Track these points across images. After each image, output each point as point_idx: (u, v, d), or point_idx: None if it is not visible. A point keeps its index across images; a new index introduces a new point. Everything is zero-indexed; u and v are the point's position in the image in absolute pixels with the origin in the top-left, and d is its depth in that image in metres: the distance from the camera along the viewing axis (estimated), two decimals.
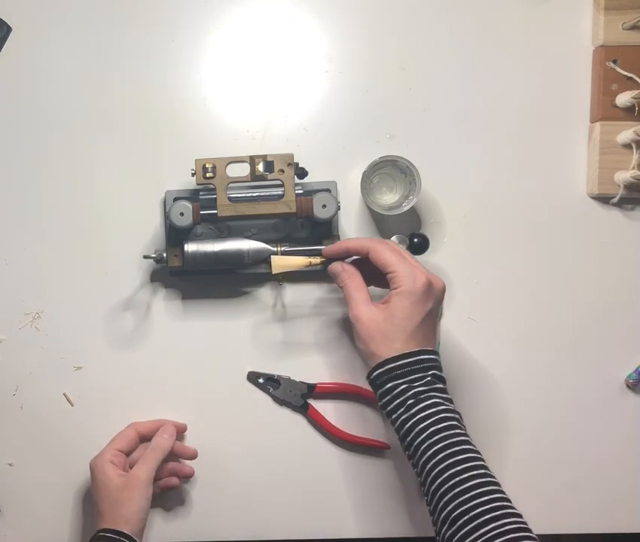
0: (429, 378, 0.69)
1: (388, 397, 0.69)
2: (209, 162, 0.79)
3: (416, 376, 0.69)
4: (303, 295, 0.87)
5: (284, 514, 0.86)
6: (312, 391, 0.86)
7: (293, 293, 0.87)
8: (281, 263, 0.78)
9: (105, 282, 0.87)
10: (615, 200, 0.85)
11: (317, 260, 0.78)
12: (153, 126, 0.87)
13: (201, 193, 0.84)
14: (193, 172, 0.79)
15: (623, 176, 0.83)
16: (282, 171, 0.80)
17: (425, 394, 0.68)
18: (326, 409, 0.86)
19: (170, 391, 0.87)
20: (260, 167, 0.79)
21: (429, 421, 0.67)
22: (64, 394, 0.87)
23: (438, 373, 0.70)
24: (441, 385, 0.70)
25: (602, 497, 0.86)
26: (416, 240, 0.81)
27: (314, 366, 0.86)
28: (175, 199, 0.82)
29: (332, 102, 0.87)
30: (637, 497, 0.86)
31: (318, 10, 0.87)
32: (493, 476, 0.66)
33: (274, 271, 0.78)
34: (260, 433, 0.86)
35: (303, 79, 0.87)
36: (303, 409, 0.86)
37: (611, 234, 0.87)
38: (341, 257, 0.77)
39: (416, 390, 0.68)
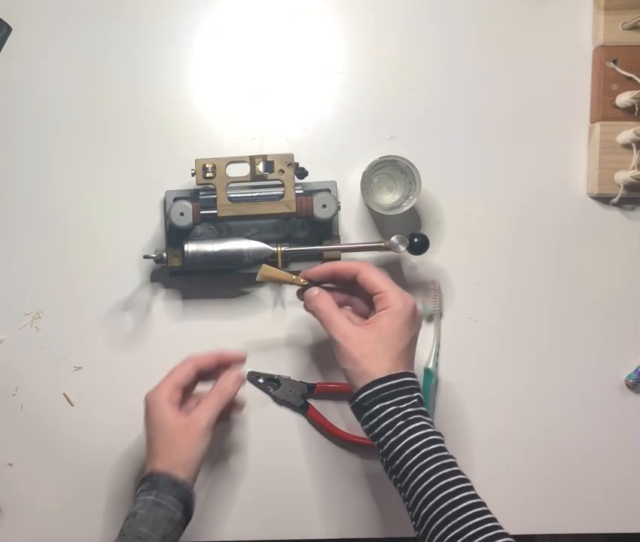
0: (415, 400, 0.68)
1: (375, 420, 0.68)
2: (209, 162, 0.79)
3: (403, 397, 0.68)
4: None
5: (284, 514, 0.86)
6: (312, 391, 0.86)
7: (293, 293, 0.87)
8: (268, 273, 0.76)
9: (105, 282, 0.87)
10: (615, 200, 0.85)
11: (300, 280, 0.76)
12: (153, 126, 0.87)
13: (201, 193, 0.84)
14: (193, 172, 0.79)
15: (623, 176, 0.83)
16: (282, 171, 0.80)
17: (414, 416, 0.67)
18: (326, 409, 0.86)
19: None
20: (260, 167, 0.79)
21: (419, 443, 0.66)
22: (64, 394, 0.87)
23: (421, 395, 0.69)
24: (424, 408, 0.69)
25: (602, 497, 0.86)
26: (416, 240, 0.81)
27: (314, 366, 0.86)
28: (175, 199, 0.82)
29: (332, 102, 0.87)
30: (637, 497, 0.86)
31: (318, 10, 0.87)
32: (481, 498, 0.65)
33: (258, 278, 0.76)
34: (260, 433, 0.86)
35: (304, 79, 0.87)
36: (303, 409, 0.86)
37: (611, 234, 0.87)
38: (324, 280, 0.76)
39: (404, 412, 0.67)
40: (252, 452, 0.86)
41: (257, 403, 0.86)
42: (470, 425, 0.86)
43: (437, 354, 0.86)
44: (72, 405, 0.87)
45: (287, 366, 0.87)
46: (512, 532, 0.86)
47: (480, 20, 0.87)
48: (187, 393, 0.77)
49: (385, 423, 0.67)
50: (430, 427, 0.67)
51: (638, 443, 0.86)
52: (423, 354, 0.86)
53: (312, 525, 0.86)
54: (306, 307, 0.76)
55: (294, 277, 0.76)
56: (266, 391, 0.86)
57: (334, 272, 0.75)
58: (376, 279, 0.72)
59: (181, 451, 0.72)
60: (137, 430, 0.86)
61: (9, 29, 0.86)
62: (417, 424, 0.67)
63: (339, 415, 0.85)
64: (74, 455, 0.86)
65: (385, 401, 0.67)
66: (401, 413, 0.67)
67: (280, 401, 0.86)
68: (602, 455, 0.86)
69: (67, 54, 0.87)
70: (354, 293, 0.76)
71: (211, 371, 0.78)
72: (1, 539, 0.86)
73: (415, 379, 0.70)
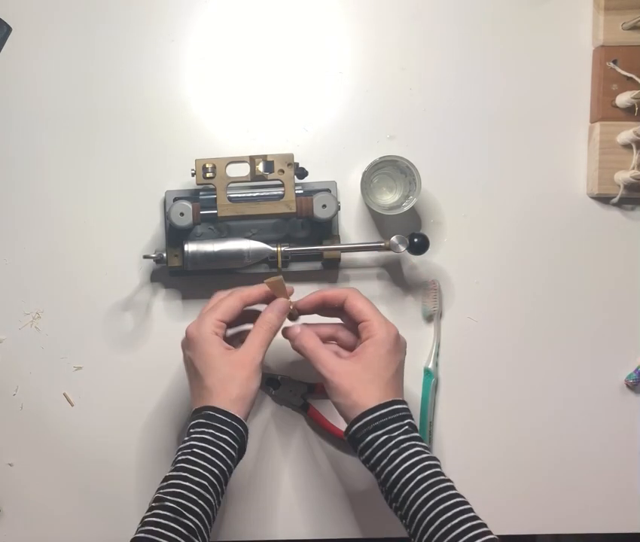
0: (406, 426, 0.69)
1: (370, 451, 0.68)
2: (209, 162, 0.79)
3: (395, 425, 0.68)
4: (303, 295, 0.87)
5: (285, 514, 0.86)
6: (312, 391, 0.86)
7: (293, 293, 0.87)
8: (277, 286, 0.75)
9: (105, 282, 0.87)
10: (615, 200, 0.85)
11: (293, 309, 0.76)
12: (153, 126, 0.87)
13: (201, 193, 0.84)
14: (193, 172, 0.80)
15: (623, 176, 0.83)
16: (282, 171, 0.80)
17: (407, 443, 0.67)
18: (326, 409, 0.86)
19: (170, 392, 0.86)
20: (260, 167, 0.79)
21: (415, 470, 0.66)
22: (64, 394, 0.87)
23: (412, 421, 0.70)
24: (417, 434, 0.69)
25: (602, 497, 0.86)
26: (416, 240, 0.81)
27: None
28: (175, 199, 0.82)
29: (332, 102, 0.87)
30: (637, 497, 0.86)
31: (318, 10, 0.87)
32: (479, 517, 0.65)
33: (267, 281, 0.74)
34: (260, 433, 0.86)
35: (304, 79, 0.87)
36: (303, 409, 0.86)
37: (611, 234, 0.87)
38: (315, 309, 0.76)
39: (397, 440, 0.67)
40: (252, 451, 0.86)
41: (257, 403, 0.86)
42: (470, 425, 0.86)
43: (437, 354, 0.86)
44: (72, 405, 0.87)
45: (287, 366, 0.87)
46: (512, 532, 0.87)
47: (479, 20, 0.87)
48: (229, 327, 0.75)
49: (380, 453, 0.68)
50: (424, 453, 0.67)
51: (638, 442, 0.86)
52: (423, 354, 0.86)
53: (312, 525, 0.86)
54: (292, 345, 0.75)
55: (291, 307, 0.76)
56: (267, 391, 0.86)
57: (324, 299, 0.75)
58: (362, 307, 0.73)
59: (238, 387, 0.70)
60: (137, 430, 0.86)
61: (9, 29, 0.86)
62: (411, 451, 0.67)
63: (339, 415, 0.85)
64: (74, 455, 0.86)
65: (377, 431, 0.68)
66: (394, 441, 0.67)
67: (280, 401, 0.86)
68: (602, 454, 0.86)
69: (67, 54, 0.87)
70: (343, 320, 0.77)
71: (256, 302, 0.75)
72: (1, 539, 0.86)
73: (405, 406, 0.70)
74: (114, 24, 0.87)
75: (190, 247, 0.81)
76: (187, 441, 0.69)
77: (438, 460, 0.68)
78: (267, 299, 0.75)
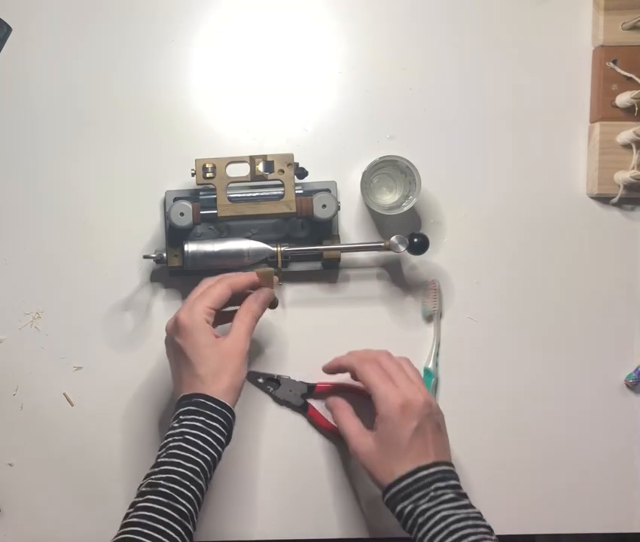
0: (432, 493, 0.70)
1: (401, 521, 0.71)
2: (209, 162, 0.79)
3: (419, 494, 0.70)
4: (303, 295, 0.87)
5: (285, 514, 0.86)
6: (312, 391, 0.86)
7: (293, 293, 0.87)
8: (266, 277, 0.77)
9: (105, 282, 0.87)
10: (615, 200, 0.85)
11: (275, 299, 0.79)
12: (153, 126, 0.87)
13: (201, 193, 0.84)
14: (193, 172, 0.80)
15: (623, 176, 0.83)
16: (282, 171, 0.80)
17: (431, 510, 0.69)
18: (326, 409, 0.86)
19: (170, 391, 0.86)
20: (260, 167, 0.79)
21: (441, 536, 0.67)
22: (64, 394, 0.87)
23: (441, 484, 0.70)
24: (450, 495, 0.70)
25: (602, 497, 0.86)
26: (415, 240, 0.81)
27: (314, 366, 0.86)
28: (175, 199, 0.82)
29: (332, 102, 0.87)
30: (637, 497, 0.86)
31: (318, 10, 0.88)
32: None
33: (258, 271, 0.78)
34: (260, 433, 0.86)
35: (303, 79, 0.87)
36: (303, 409, 0.86)
37: (611, 234, 0.87)
38: (338, 372, 0.82)
39: (422, 508, 0.69)
40: (252, 451, 0.86)
41: (257, 403, 0.87)
42: (470, 425, 0.86)
43: (437, 354, 0.86)
44: (72, 405, 0.87)
45: (287, 366, 0.87)
46: (512, 532, 0.87)
47: (480, 21, 0.87)
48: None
49: (409, 523, 0.71)
50: (452, 516, 0.68)
51: (638, 443, 0.86)
52: (423, 354, 0.86)
53: (312, 525, 0.86)
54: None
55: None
56: (266, 391, 0.86)
57: (340, 366, 0.81)
58: (367, 380, 0.76)
59: (229, 377, 0.72)
60: (137, 430, 0.86)
61: (9, 29, 0.86)
62: (436, 518, 0.68)
63: None
64: (74, 455, 0.86)
65: (403, 502, 0.71)
66: (419, 510, 0.69)
67: (280, 401, 0.86)
68: (602, 455, 0.86)
69: (66, 55, 0.87)
70: None
71: (245, 294, 0.77)
72: (1, 539, 0.86)
73: (430, 471, 0.71)
74: (114, 24, 0.87)
75: (190, 247, 0.81)
76: (178, 428, 0.70)
77: (474, 515, 0.69)
78: (254, 287, 0.77)
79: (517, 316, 0.87)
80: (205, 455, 0.70)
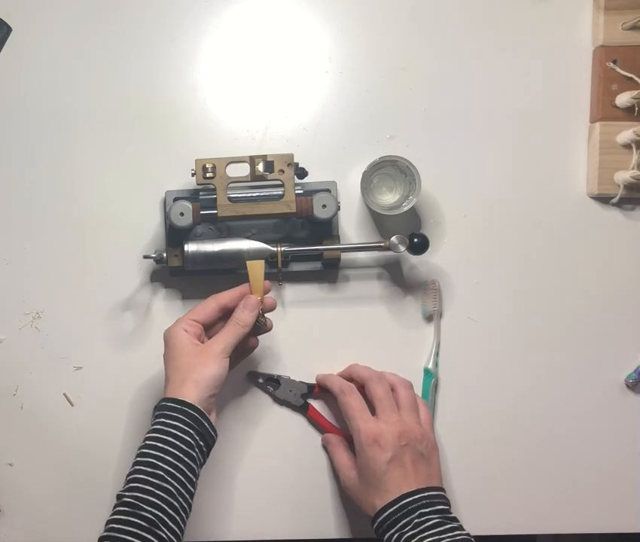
0: (416, 519, 0.70)
1: None
2: (209, 162, 0.79)
3: (404, 522, 0.70)
4: (303, 295, 0.87)
5: (285, 514, 0.86)
6: (312, 391, 0.86)
7: (293, 293, 0.87)
8: (256, 271, 0.77)
9: (105, 282, 0.87)
10: (615, 200, 0.85)
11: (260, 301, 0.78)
12: (153, 126, 0.87)
13: (201, 193, 0.84)
14: (193, 172, 0.80)
15: (623, 176, 0.83)
16: (282, 171, 0.80)
17: (416, 537, 0.69)
18: (326, 409, 0.86)
19: None
20: (260, 167, 0.79)
21: None
22: (64, 394, 0.87)
23: (426, 510, 0.70)
24: (435, 520, 0.70)
25: (602, 497, 0.86)
26: (415, 240, 0.81)
27: (314, 367, 0.86)
28: (175, 199, 0.82)
29: (332, 102, 0.87)
30: (637, 497, 0.86)
31: (318, 10, 0.88)
32: None
33: (248, 263, 0.78)
34: (260, 433, 0.86)
35: (303, 79, 0.87)
36: (303, 409, 0.86)
37: (611, 234, 0.87)
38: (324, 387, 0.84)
39: (407, 536, 0.69)
40: (252, 451, 0.86)
41: (257, 403, 0.87)
42: (470, 425, 0.86)
43: (437, 354, 0.86)
44: (72, 405, 0.87)
45: (287, 366, 0.87)
46: (512, 532, 0.87)
47: (479, 20, 0.87)
48: (211, 330, 0.78)
49: None
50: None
51: (638, 443, 0.86)
52: (423, 354, 0.86)
53: (311, 525, 0.86)
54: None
55: (260, 298, 0.77)
56: (266, 391, 0.86)
57: (325, 385, 0.84)
58: (344, 413, 0.79)
59: (196, 370, 0.72)
60: (137, 430, 0.86)
61: (9, 29, 0.86)
62: None
63: (339, 415, 0.85)
64: (74, 455, 0.86)
65: (389, 531, 0.71)
66: (404, 537, 0.70)
67: (280, 401, 0.86)
68: (602, 455, 0.86)
69: (67, 54, 0.87)
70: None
71: (234, 305, 0.77)
72: (1, 539, 0.86)
73: (414, 497, 0.71)
74: (114, 24, 0.87)
75: (190, 247, 0.81)
76: (143, 439, 0.71)
77: (459, 535, 0.69)
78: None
79: (517, 316, 0.87)
80: (168, 457, 0.68)
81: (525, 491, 0.86)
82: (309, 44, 0.88)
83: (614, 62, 0.84)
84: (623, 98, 0.83)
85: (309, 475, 0.86)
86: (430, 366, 0.86)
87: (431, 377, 0.85)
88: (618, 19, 0.84)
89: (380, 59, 0.87)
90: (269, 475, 0.86)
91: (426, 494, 0.71)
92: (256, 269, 0.77)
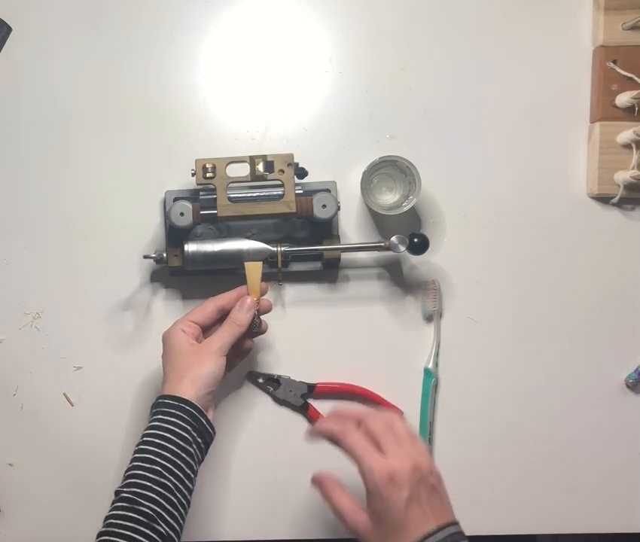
0: None
1: None
2: (209, 162, 0.79)
3: None
4: (303, 295, 0.87)
5: (285, 514, 0.86)
6: (312, 391, 0.86)
7: (293, 293, 0.87)
8: (253, 273, 0.78)
9: (105, 282, 0.87)
10: (615, 200, 0.85)
11: (256, 302, 0.78)
12: (153, 126, 0.87)
13: (201, 193, 0.84)
14: (193, 172, 0.80)
15: (623, 176, 0.83)
16: (282, 171, 0.80)
17: None
18: (326, 409, 0.86)
19: None
20: (260, 167, 0.79)
21: None
22: (64, 394, 0.87)
23: None
24: None
25: (602, 497, 0.86)
26: (415, 240, 0.81)
27: (314, 366, 0.86)
28: (175, 199, 0.82)
29: (332, 102, 0.87)
30: (637, 497, 0.86)
31: (318, 10, 0.88)
32: None
33: (246, 262, 0.78)
34: (260, 433, 0.86)
35: (303, 79, 0.87)
36: (303, 409, 0.86)
37: (611, 234, 0.87)
38: (322, 437, 0.73)
39: None
40: (252, 451, 0.86)
41: (257, 403, 0.87)
42: (470, 425, 0.86)
43: (437, 354, 0.86)
44: (72, 405, 0.87)
45: (287, 366, 0.87)
46: (512, 532, 0.87)
47: (479, 20, 0.87)
48: (209, 332, 0.78)
49: None
50: None
51: (638, 442, 0.86)
52: (423, 354, 0.86)
53: (311, 525, 0.86)
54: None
55: (255, 300, 0.77)
56: (266, 391, 0.86)
57: (322, 434, 0.73)
58: (351, 453, 0.69)
59: (192, 368, 0.72)
60: (137, 430, 0.86)
61: (9, 29, 0.86)
62: None
63: None
64: (74, 455, 0.86)
65: None
66: None
67: (280, 401, 0.86)
68: (602, 455, 0.86)
69: (67, 54, 0.87)
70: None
71: (232, 307, 0.78)
72: (1, 539, 0.86)
73: (437, 538, 0.65)
74: (114, 24, 0.87)
75: (190, 247, 0.81)
76: (141, 436, 0.71)
77: None
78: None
79: (517, 316, 0.87)
80: (165, 453, 0.69)
81: (525, 491, 0.86)
82: (309, 44, 0.88)
83: (614, 62, 0.84)
84: (623, 98, 0.83)
85: (308, 475, 0.86)
86: (430, 366, 0.86)
87: (431, 377, 0.85)
88: (618, 19, 0.84)
89: (380, 59, 0.87)
90: (268, 475, 0.86)
91: (447, 533, 0.66)
92: (253, 270, 0.78)
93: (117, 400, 0.86)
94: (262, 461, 0.86)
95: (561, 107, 0.87)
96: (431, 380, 0.85)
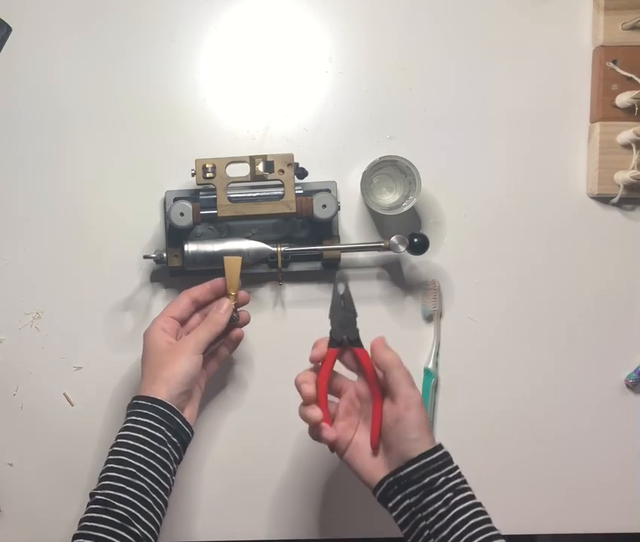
0: (458, 470, 0.68)
1: (422, 492, 0.67)
2: (209, 162, 0.79)
3: (450, 467, 0.68)
4: (303, 295, 0.87)
5: (285, 514, 0.86)
6: None
7: (293, 293, 0.87)
8: (230, 262, 0.78)
9: (105, 282, 0.87)
10: (615, 200, 0.85)
11: (232, 300, 0.78)
12: (153, 126, 0.87)
13: (201, 193, 0.84)
14: (193, 172, 0.80)
15: (623, 176, 0.83)
16: (282, 171, 0.80)
17: (462, 486, 0.67)
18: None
19: None
20: (260, 167, 0.79)
21: (467, 514, 0.66)
22: (64, 394, 0.87)
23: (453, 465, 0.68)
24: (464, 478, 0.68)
25: (602, 497, 0.86)
26: (415, 240, 0.81)
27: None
28: (175, 199, 0.82)
29: (332, 102, 0.87)
30: (637, 497, 0.86)
31: (318, 10, 0.88)
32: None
33: (225, 259, 0.78)
34: (259, 433, 0.86)
35: (303, 79, 0.87)
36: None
37: (611, 234, 0.87)
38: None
39: (453, 482, 0.67)
40: (251, 451, 0.86)
41: (257, 403, 0.87)
42: (470, 425, 0.86)
43: (437, 354, 0.86)
44: (72, 405, 0.87)
45: (287, 366, 0.86)
46: (512, 532, 0.87)
47: (479, 20, 0.87)
48: (187, 324, 0.79)
49: (435, 494, 0.66)
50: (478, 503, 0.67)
51: (638, 442, 0.86)
52: (423, 354, 0.86)
53: (311, 525, 0.86)
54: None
55: (233, 295, 0.78)
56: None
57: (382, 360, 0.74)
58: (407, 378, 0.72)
59: (166, 368, 0.73)
60: None
61: (9, 29, 0.86)
62: (465, 494, 0.67)
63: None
64: (74, 455, 0.86)
65: (434, 473, 0.67)
66: (450, 484, 0.66)
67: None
68: (602, 455, 0.86)
69: (67, 54, 0.87)
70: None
71: (208, 301, 0.79)
72: (1, 539, 0.86)
73: (446, 450, 0.69)
74: (114, 24, 0.87)
75: (190, 247, 0.81)
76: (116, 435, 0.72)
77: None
78: (217, 294, 0.79)
79: (517, 316, 0.87)
80: (139, 454, 0.69)
81: (525, 491, 0.86)
82: (309, 44, 0.88)
83: (614, 62, 0.84)
84: (623, 99, 0.83)
85: (308, 475, 0.86)
86: (430, 366, 0.86)
87: (431, 377, 0.85)
88: (618, 19, 0.84)
89: (380, 59, 0.87)
90: (268, 475, 0.86)
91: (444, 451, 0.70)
92: (232, 265, 0.78)
93: (117, 400, 0.86)
94: (261, 460, 0.86)
95: (561, 107, 0.87)
96: (431, 380, 0.85)
